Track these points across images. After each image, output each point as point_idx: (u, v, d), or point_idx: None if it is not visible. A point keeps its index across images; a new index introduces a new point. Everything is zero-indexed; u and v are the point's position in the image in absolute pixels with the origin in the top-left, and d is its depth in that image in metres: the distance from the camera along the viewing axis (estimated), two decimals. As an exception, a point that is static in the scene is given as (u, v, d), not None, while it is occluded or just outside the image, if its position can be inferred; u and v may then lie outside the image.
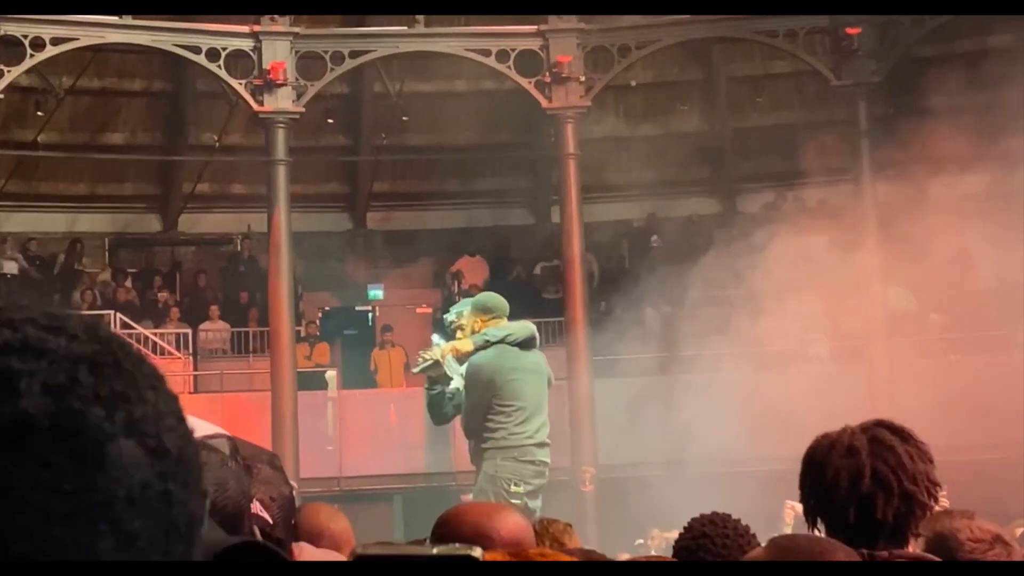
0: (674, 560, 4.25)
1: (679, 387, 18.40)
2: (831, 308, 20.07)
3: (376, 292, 24.81)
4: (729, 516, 4.52)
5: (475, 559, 1.12)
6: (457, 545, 1.15)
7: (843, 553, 2.88)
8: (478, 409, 10.28)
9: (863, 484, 3.55)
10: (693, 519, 4.54)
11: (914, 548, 3.72)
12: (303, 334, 22.62)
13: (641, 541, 15.00)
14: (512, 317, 10.66)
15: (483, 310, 10.39)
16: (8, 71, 18.83)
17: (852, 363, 19.82)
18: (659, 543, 14.16)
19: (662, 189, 23.42)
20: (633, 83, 23.23)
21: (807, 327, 20.47)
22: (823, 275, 18.23)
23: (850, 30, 19.58)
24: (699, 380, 18.37)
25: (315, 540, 4.18)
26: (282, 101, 19.62)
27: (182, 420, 1.02)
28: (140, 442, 0.96)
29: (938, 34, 20.72)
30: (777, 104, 24.32)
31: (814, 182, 21.23)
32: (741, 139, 24.50)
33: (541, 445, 10.28)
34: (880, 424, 3.72)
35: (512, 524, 3.24)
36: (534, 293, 23.27)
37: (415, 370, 10.95)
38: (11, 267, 23.21)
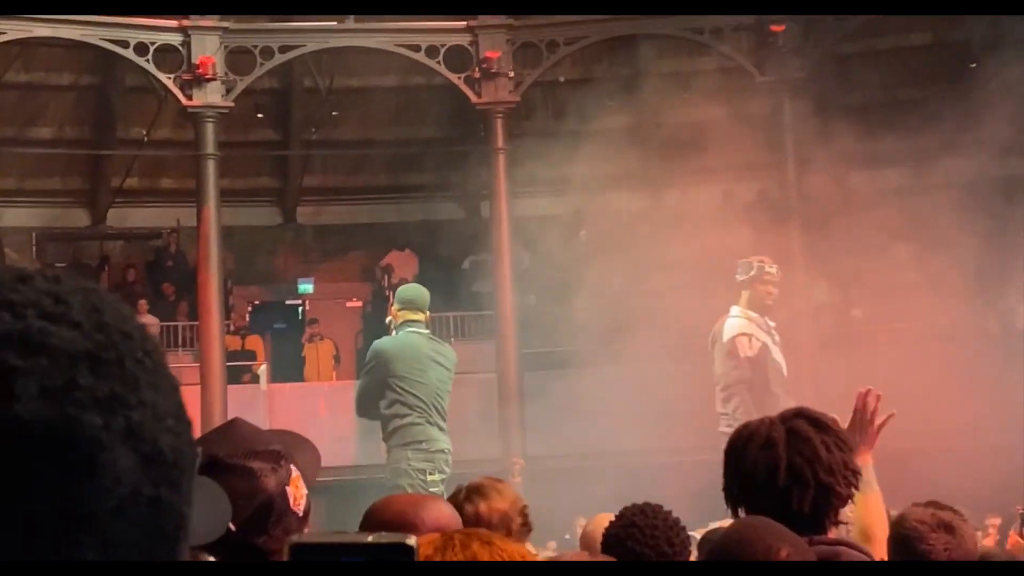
0: (671, 560, 4.37)
1: (604, 379, 18.48)
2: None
3: (306, 286, 24.67)
4: (660, 507, 4.56)
5: (410, 547, 1.13)
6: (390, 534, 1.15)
7: (790, 538, 3.21)
8: (371, 393, 10.32)
9: (779, 477, 3.64)
10: (625, 508, 4.57)
11: (835, 535, 3.81)
12: (232, 328, 22.51)
13: (569, 536, 15.01)
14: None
15: (398, 300, 10.55)
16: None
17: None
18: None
19: (590, 184, 23.53)
20: (562, 79, 23.30)
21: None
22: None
23: (774, 27, 19.75)
24: (623, 372, 18.46)
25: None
26: (211, 96, 19.43)
27: (181, 418, 0.97)
28: (136, 449, 0.91)
29: (861, 32, 20.97)
30: (703, 99, 24.48)
31: (740, 175, 21.37)
32: (668, 134, 24.65)
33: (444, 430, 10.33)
34: (800, 414, 3.79)
35: (437, 513, 3.27)
36: (464, 286, 23.32)
37: None
38: (-64, 261, 22.93)
